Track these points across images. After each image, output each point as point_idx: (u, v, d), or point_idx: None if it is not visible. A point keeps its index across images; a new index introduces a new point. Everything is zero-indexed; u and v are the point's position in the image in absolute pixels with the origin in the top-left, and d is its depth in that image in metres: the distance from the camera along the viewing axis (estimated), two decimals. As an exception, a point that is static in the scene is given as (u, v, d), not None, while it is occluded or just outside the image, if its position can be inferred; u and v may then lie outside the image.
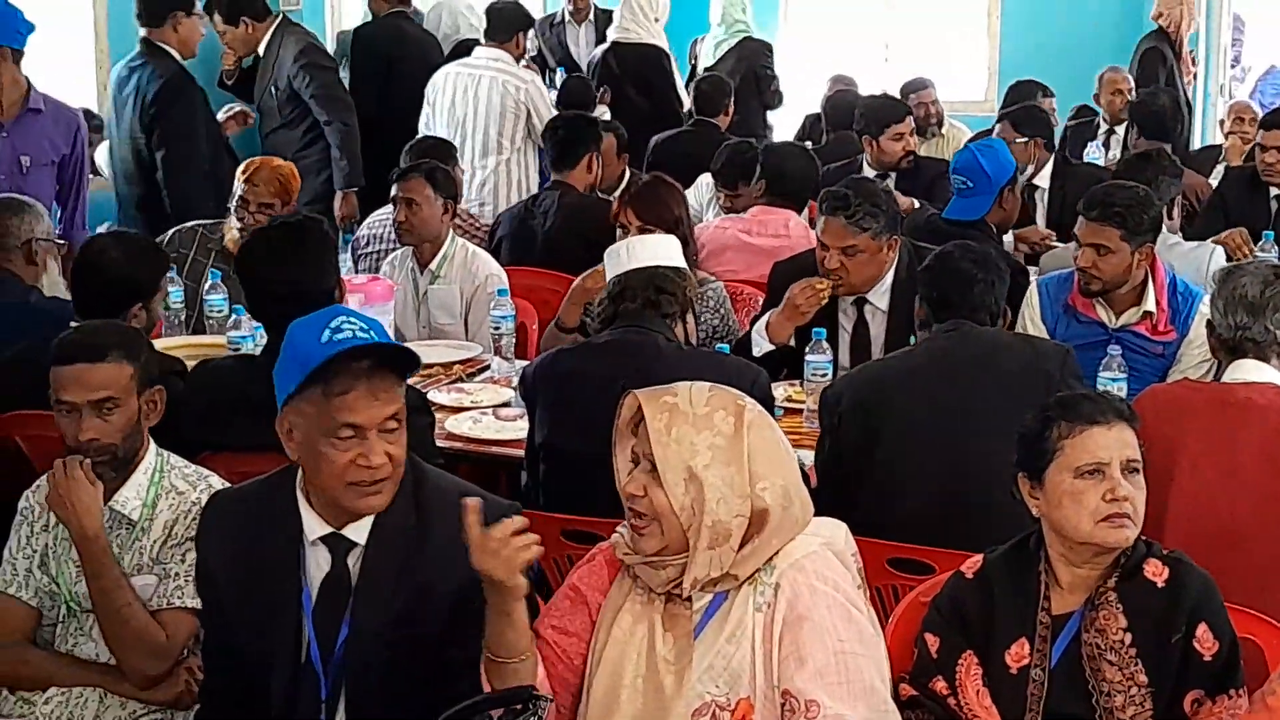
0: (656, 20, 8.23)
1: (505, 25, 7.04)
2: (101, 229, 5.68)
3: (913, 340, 3.86)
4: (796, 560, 2.47)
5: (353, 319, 2.56)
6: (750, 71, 8.43)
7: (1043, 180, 6.32)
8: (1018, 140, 6.25)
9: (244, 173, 5.13)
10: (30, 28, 5.37)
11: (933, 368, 3.51)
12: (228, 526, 2.73)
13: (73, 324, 3.50)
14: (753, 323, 4.61)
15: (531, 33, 7.88)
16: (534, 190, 6.53)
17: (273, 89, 6.62)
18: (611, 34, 8.29)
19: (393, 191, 5.12)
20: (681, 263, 3.82)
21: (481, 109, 6.77)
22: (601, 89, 7.99)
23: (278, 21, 6.68)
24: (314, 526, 2.62)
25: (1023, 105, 6.61)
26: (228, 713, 2.72)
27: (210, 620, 2.80)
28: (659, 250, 3.80)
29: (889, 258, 4.34)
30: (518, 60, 7.10)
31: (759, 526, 2.45)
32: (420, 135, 6.48)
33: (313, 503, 2.60)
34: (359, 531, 2.61)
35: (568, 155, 5.81)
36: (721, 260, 5.39)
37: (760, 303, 4.93)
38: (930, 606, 2.70)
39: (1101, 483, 2.56)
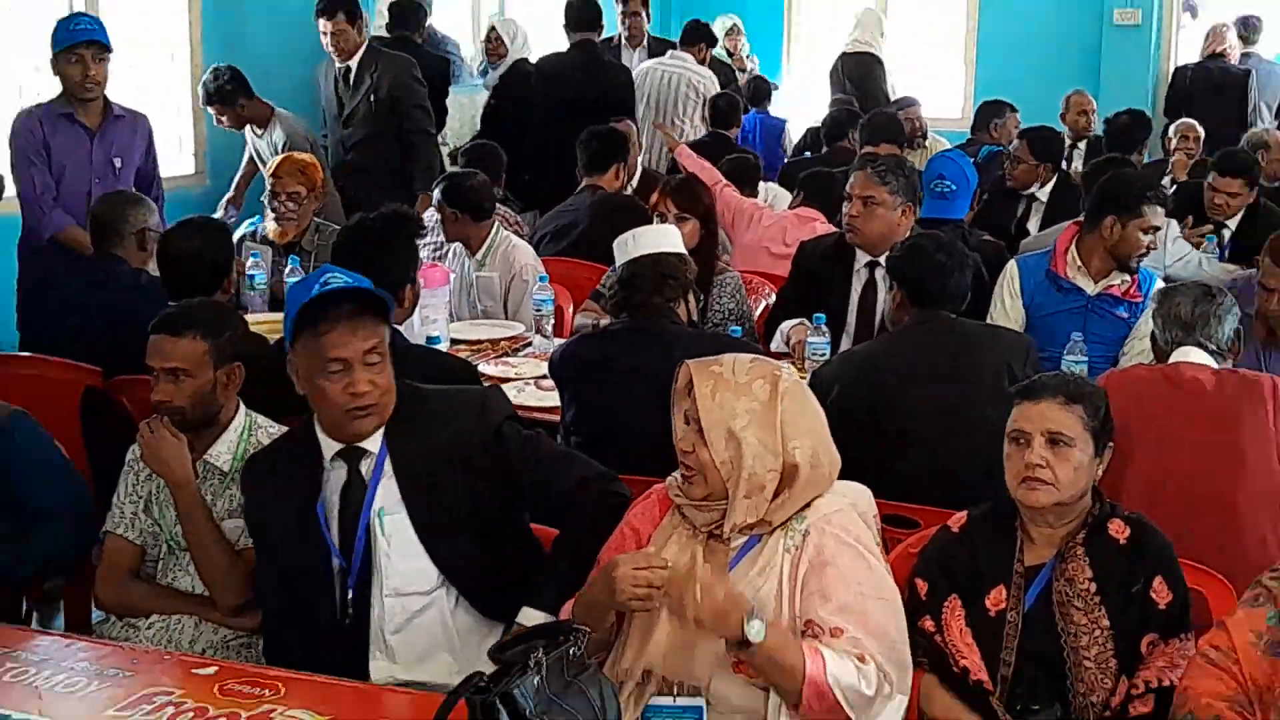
0: (882, 35, 9.32)
1: (693, 36, 8.48)
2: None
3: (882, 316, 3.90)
4: (825, 514, 2.47)
5: (338, 274, 2.71)
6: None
7: (1043, 194, 6.38)
8: (1030, 161, 6.30)
9: (270, 170, 5.18)
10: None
11: (915, 363, 3.48)
12: (263, 473, 2.87)
13: (170, 303, 3.52)
14: (771, 317, 4.65)
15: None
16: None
17: (371, 97, 6.41)
18: (845, 46, 9.29)
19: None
20: (682, 249, 3.80)
21: (670, 93, 7.87)
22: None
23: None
24: (330, 446, 2.75)
25: (1040, 134, 6.54)
26: (285, 625, 2.81)
27: (260, 553, 2.89)
28: (662, 239, 3.78)
29: (903, 223, 4.38)
30: (700, 62, 8.22)
31: (790, 480, 2.46)
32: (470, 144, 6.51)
33: (326, 429, 2.74)
34: (371, 442, 2.74)
35: (599, 162, 5.81)
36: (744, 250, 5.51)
37: (768, 291, 4.97)
38: (919, 555, 2.71)
39: (1024, 449, 2.58)
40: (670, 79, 8.00)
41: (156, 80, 7.07)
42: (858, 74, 9.09)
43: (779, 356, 4.08)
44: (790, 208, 5.84)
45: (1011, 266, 4.40)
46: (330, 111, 6.61)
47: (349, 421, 2.68)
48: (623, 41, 8.36)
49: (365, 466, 2.74)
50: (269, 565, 2.85)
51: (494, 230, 5.12)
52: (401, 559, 2.72)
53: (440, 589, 2.75)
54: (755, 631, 2.27)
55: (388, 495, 2.73)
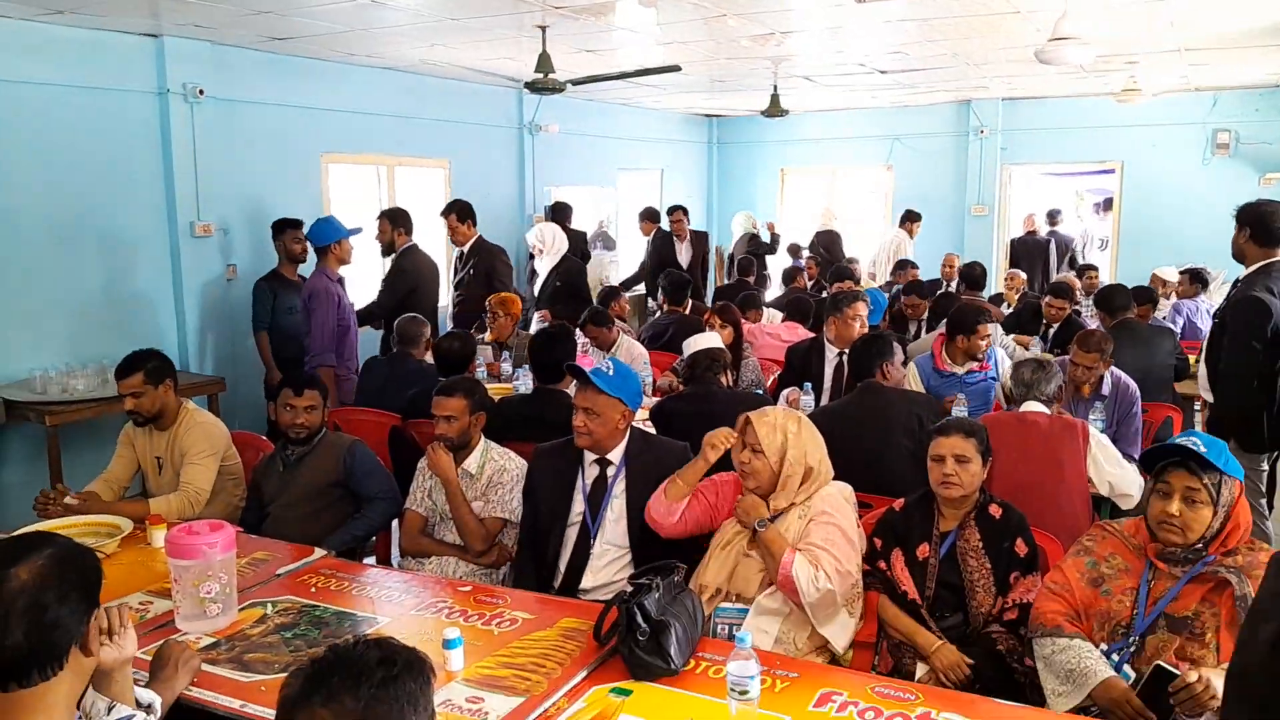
0: (835, 219, 9.16)
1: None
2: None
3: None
4: (823, 495, 2.47)
5: (598, 362, 2.78)
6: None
7: (922, 317, 5.97)
8: (916, 299, 5.95)
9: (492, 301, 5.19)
10: (340, 233, 4.86)
11: (856, 413, 3.36)
12: (543, 457, 2.84)
13: (440, 379, 3.61)
14: (778, 389, 4.55)
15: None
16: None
17: (471, 270, 5.77)
18: (818, 226, 9.04)
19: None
20: (722, 345, 3.75)
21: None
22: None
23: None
24: (590, 455, 2.74)
25: (918, 286, 6.30)
26: (534, 554, 2.76)
27: (527, 504, 2.84)
28: (710, 339, 3.76)
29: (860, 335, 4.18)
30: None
31: (807, 478, 2.47)
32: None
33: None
34: (615, 455, 2.73)
35: (678, 297, 5.75)
36: (761, 349, 5.36)
37: (775, 372, 4.94)
38: (876, 523, 2.62)
39: (941, 465, 2.50)
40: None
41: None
42: (825, 241, 9.01)
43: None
44: (781, 320, 5.85)
45: (912, 368, 4.17)
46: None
47: (576, 439, 2.71)
48: (674, 238, 8.05)
49: (610, 471, 2.73)
50: (532, 516, 2.80)
51: (618, 336, 5.09)
52: (615, 526, 2.70)
53: (628, 547, 2.69)
54: (760, 525, 2.34)
55: (618, 489, 2.71)
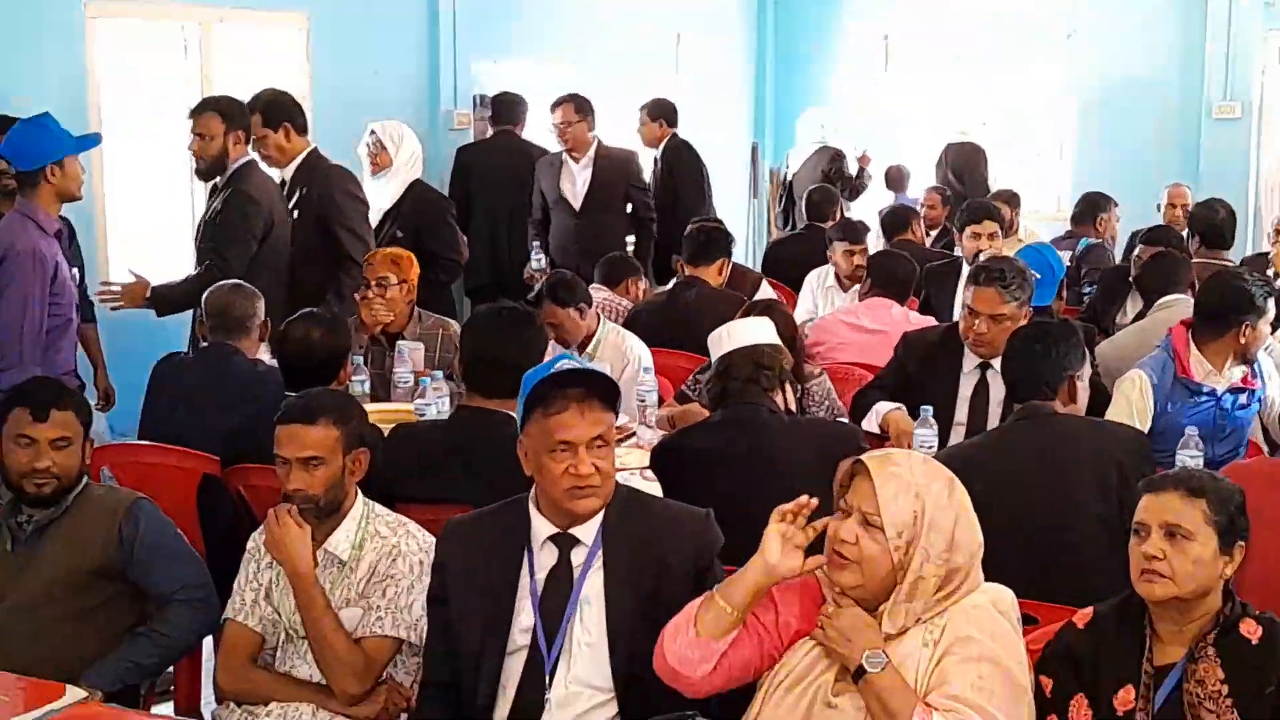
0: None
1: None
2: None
3: None
4: (964, 609, 2.46)
5: (574, 361, 2.84)
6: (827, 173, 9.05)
7: None
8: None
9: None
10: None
11: (1015, 461, 3.43)
12: (464, 537, 2.85)
13: (287, 393, 3.55)
14: (861, 394, 4.57)
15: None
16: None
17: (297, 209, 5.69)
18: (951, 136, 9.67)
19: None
20: (776, 339, 3.78)
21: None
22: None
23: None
24: (543, 529, 2.77)
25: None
26: (445, 699, 2.79)
27: (437, 615, 2.85)
28: (756, 331, 3.77)
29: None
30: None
31: (948, 583, 2.46)
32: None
33: (542, 510, 2.76)
34: (584, 531, 2.75)
35: (704, 255, 5.82)
36: (835, 349, 5.42)
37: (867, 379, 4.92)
38: (1044, 652, 2.63)
39: (1142, 541, 2.53)
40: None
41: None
42: (961, 161, 9.22)
43: (869, 437, 4.05)
44: (861, 294, 5.85)
45: (1144, 380, 4.23)
46: None
47: (568, 500, 2.71)
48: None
49: (576, 555, 2.76)
50: (446, 636, 2.81)
51: (599, 324, 5.16)
52: (587, 652, 2.72)
53: (610, 688, 2.73)
54: (875, 662, 2.39)
55: (592, 587, 2.74)
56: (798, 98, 10.90)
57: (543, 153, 7.54)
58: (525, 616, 2.74)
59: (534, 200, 7.42)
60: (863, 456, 2.54)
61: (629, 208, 7.38)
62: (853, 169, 9.17)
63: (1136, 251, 6.13)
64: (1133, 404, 4.18)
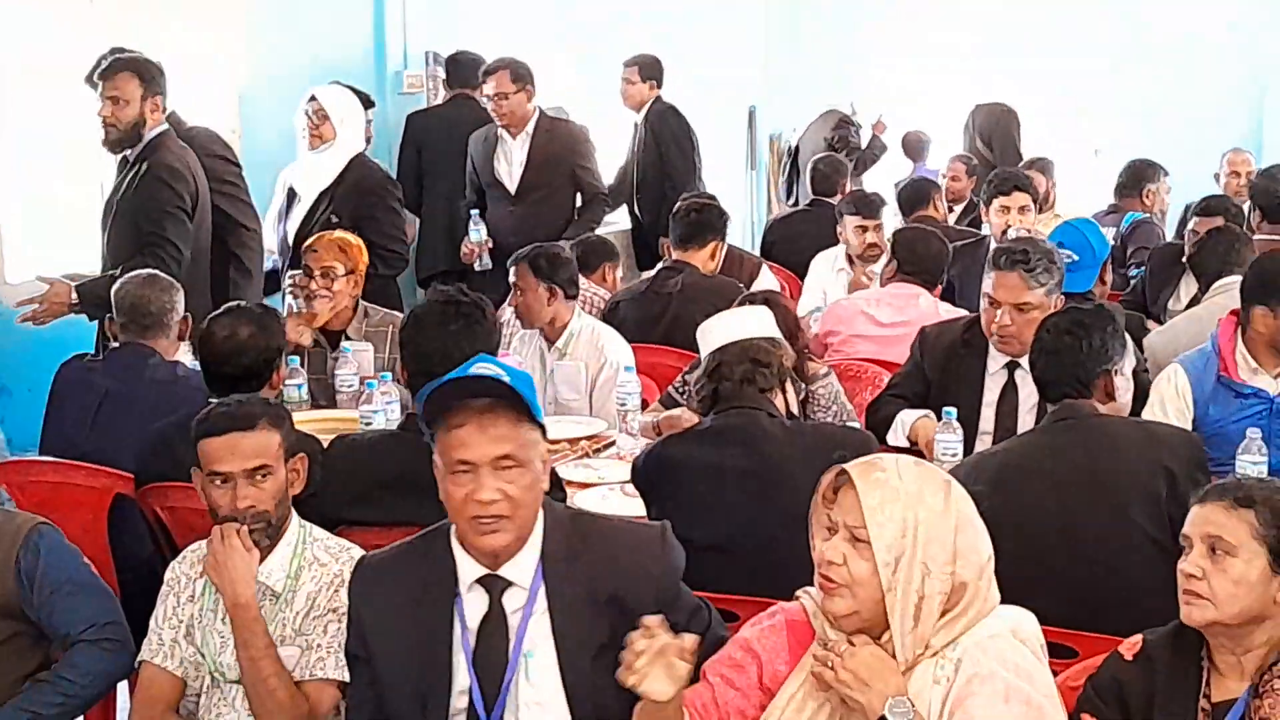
0: None
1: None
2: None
3: None
4: (980, 640, 2.46)
5: (491, 364, 2.73)
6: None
7: None
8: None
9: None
10: None
11: (1047, 468, 3.46)
12: (382, 582, 2.79)
13: (211, 399, 3.56)
14: (876, 404, 4.59)
15: None
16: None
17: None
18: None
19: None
20: (775, 332, 3.81)
21: None
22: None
23: None
24: (469, 570, 2.70)
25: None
26: None
27: (360, 675, 2.81)
28: (750, 322, 3.80)
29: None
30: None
31: (956, 600, 2.45)
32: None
33: (463, 545, 2.69)
34: (516, 570, 2.68)
35: (695, 237, 5.84)
36: (849, 341, 5.45)
37: (884, 380, 4.93)
38: (1086, 687, 2.64)
39: (1185, 557, 2.56)
40: None
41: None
42: (990, 126, 9.28)
43: (896, 451, 4.05)
44: (884, 278, 5.84)
45: (1180, 377, 4.23)
46: None
47: (473, 534, 2.63)
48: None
49: (511, 599, 2.69)
50: (367, 691, 2.78)
51: (575, 314, 5.18)
52: (541, 711, 2.68)
53: None
54: (900, 713, 2.37)
55: (537, 635, 2.69)
56: (802, 52, 10.94)
57: None
58: (461, 676, 2.70)
59: (468, 180, 7.33)
60: (846, 465, 2.51)
61: (576, 194, 7.28)
62: (864, 137, 9.19)
63: (1191, 225, 6.08)
64: (1166, 402, 4.16)
